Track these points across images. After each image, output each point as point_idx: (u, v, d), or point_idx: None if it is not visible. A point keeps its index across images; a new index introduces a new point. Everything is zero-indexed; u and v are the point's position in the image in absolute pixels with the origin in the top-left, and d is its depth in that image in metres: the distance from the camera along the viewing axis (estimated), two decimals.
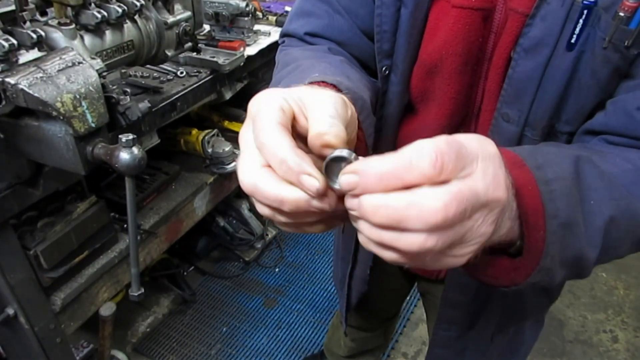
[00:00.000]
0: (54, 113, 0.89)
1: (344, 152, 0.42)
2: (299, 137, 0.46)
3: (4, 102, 0.91)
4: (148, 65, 1.50)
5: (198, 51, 1.48)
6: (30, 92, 0.86)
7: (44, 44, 0.97)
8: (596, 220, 0.53)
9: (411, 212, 0.38)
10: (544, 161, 0.50)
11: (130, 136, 0.90)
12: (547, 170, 0.49)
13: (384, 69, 0.78)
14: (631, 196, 0.55)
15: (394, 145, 0.87)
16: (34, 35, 0.93)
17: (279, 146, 0.41)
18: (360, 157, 0.42)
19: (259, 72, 1.91)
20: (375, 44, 0.76)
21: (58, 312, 1.32)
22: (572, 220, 0.50)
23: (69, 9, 1.06)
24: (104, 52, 1.13)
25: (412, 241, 0.39)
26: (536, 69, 0.65)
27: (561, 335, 2.23)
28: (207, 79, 1.58)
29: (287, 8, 2.12)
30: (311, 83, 0.56)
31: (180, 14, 1.29)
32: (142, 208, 1.58)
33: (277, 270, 2.49)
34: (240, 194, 2.58)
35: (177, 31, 1.29)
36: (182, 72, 1.57)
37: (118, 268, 1.48)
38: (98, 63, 1.02)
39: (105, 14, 1.07)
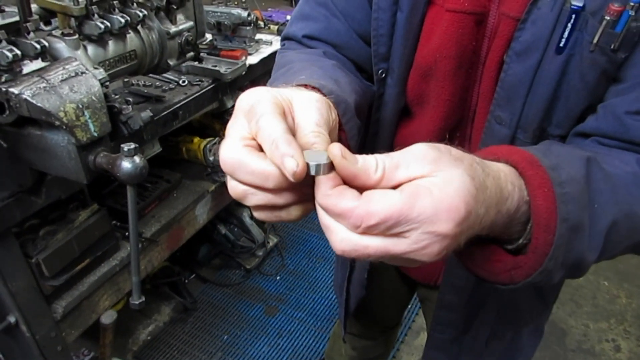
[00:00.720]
0: (57, 122, 0.90)
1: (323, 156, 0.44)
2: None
3: (7, 112, 0.92)
4: (150, 75, 1.51)
5: (200, 60, 1.49)
6: (34, 102, 0.87)
7: (47, 54, 0.98)
8: (600, 224, 0.53)
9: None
10: (557, 162, 0.50)
11: (132, 145, 0.90)
12: (561, 172, 0.49)
13: (380, 72, 0.80)
14: (632, 199, 0.55)
15: (390, 147, 0.88)
16: (38, 46, 0.94)
17: (276, 129, 0.43)
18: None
19: (260, 80, 1.92)
20: (372, 47, 0.78)
21: (59, 320, 1.33)
22: (580, 224, 0.50)
23: (72, 19, 1.07)
24: (107, 62, 1.15)
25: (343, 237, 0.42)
26: (527, 72, 0.66)
27: (563, 344, 2.22)
28: (209, 87, 1.59)
29: (289, 17, 2.13)
30: (298, 85, 0.57)
31: (183, 24, 1.30)
32: (144, 216, 1.59)
33: (278, 278, 2.49)
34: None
35: (179, 41, 1.30)
36: (184, 81, 1.58)
37: (119, 276, 1.49)
38: (101, 73, 1.03)
39: (109, 24, 1.08)
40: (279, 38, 1.94)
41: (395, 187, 0.42)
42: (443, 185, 0.41)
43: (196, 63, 1.56)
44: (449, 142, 0.68)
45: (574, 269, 0.54)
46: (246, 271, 2.48)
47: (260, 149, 0.44)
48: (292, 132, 0.46)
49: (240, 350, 2.13)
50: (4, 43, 0.90)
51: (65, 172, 1.00)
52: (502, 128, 0.72)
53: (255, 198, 0.45)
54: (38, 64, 0.97)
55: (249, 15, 1.71)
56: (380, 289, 1.20)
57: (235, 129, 0.46)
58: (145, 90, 1.51)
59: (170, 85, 1.56)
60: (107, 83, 1.05)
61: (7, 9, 0.97)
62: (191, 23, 1.33)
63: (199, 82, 1.59)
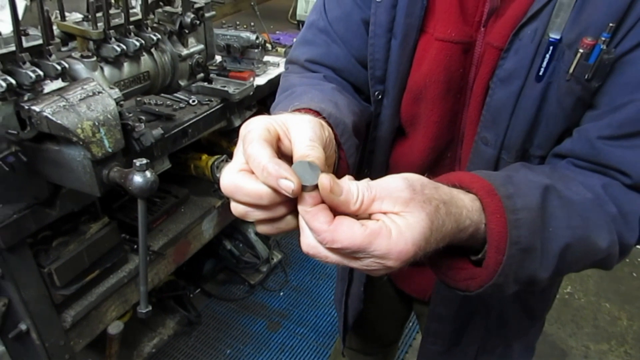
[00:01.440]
0: (74, 139, 0.96)
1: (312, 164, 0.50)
2: (284, 156, 0.53)
3: (28, 128, 0.98)
4: (162, 94, 1.58)
5: (210, 81, 1.56)
6: (54, 119, 0.93)
7: (67, 75, 1.05)
8: (553, 247, 0.58)
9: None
10: (514, 190, 0.56)
11: (144, 160, 0.96)
12: (516, 200, 0.55)
13: (376, 93, 0.86)
14: (587, 224, 0.61)
15: (387, 164, 0.94)
16: (59, 67, 1.00)
17: (262, 155, 0.48)
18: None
19: (267, 100, 1.99)
20: (369, 70, 0.84)
21: (68, 329, 1.37)
22: (532, 246, 0.56)
23: (91, 42, 1.15)
24: (122, 82, 1.21)
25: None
26: (510, 97, 0.72)
27: None
28: (217, 107, 1.66)
29: (295, 40, 2.21)
30: (298, 110, 0.64)
31: (194, 46, 1.37)
32: (152, 229, 1.64)
33: (281, 294, 2.52)
34: None
35: (190, 63, 1.37)
36: (194, 101, 1.64)
37: (127, 288, 1.53)
38: (116, 92, 1.09)
39: (124, 47, 1.15)
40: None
41: (369, 215, 0.50)
42: (404, 229, 0.48)
43: (206, 83, 1.63)
44: (440, 162, 0.74)
45: (527, 285, 0.59)
46: (250, 286, 2.52)
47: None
48: (289, 151, 0.52)
49: None
50: (27, 64, 0.96)
51: (79, 185, 1.05)
52: (487, 148, 0.77)
53: (254, 214, 0.51)
54: (58, 83, 1.03)
55: (257, 38, 1.79)
56: (377, 303, 1.23)
57: (235, 155, 0.52)
58: (157, 109, 1.57)
59: (181, 105, 1.62)
60: (122, 102, 1.11)
61: (31, 32, 1.04)
62: (202, 46, 1.39)
63: (208, 102, 1.66)
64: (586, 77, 0.65)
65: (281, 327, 2.34)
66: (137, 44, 1.18)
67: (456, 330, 0.99)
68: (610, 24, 0.62)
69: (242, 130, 0.52)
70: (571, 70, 0.66)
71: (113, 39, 1.15)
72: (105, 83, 1.11)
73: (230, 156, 1.90)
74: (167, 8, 1.35)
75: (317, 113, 0.63)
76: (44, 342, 1.31)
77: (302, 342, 2.27)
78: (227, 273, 2.58)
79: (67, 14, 1.20)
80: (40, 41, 1.01)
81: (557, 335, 2.36)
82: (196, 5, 1.34)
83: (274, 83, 1.89)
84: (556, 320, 2.44)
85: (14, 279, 1.20)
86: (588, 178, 0.66)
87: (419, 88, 0.82)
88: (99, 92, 1.03)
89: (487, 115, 0.75)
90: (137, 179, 0.96)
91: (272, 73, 1.91)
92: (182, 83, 1.38)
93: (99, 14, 1.13)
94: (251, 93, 1.73)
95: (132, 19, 1.19)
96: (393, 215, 0.49)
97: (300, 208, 0.48)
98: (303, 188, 0.48)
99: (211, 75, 1.53)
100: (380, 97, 0.86)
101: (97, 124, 0.99)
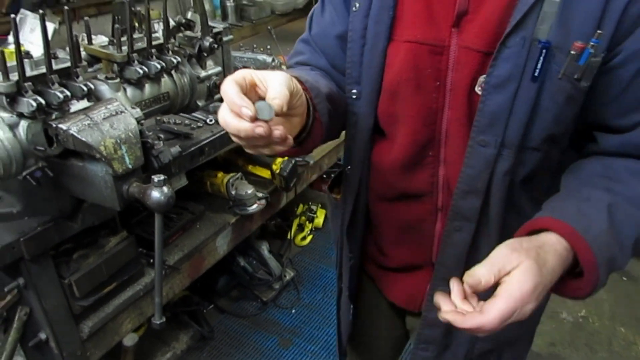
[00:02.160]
0: (97, 155, 1.01)
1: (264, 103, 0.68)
2: (261, 98, 0.69)
3: (55, 145, 1.04)
4: (181, 114, 1.64)
5: None
6: (79, 136, 0.99)
7: (92, 95, 1.11)
8: (627, 244, 0.76)
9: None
10: (587, 223, 0.74)
11: (162, 177, 1.01)
12: (592, 230, 0.73)
13: (353, 93, 0.95)
14: None
15: (368, 162, 1.01)
16: (85, 88, 1.07)
17: (231, 92, 0.65)
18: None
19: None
20: (347, 71, 0.95)
21: (85, 340, 1.41)
22: (612, 256, 0.74)
23: (115, 65, 1.21)
24: (143, 102, 1.27)
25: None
26: (506, 100, 0.78)
27: None
28: None
29: None
30: None
31: (212, 69, 1.43)
32: (168, 244, 1.68)
33: (293, 311, 2.54)
34: (261, 236, 2.68)
35: (208, 84, 1.43)
36: (211, 120, 1.70)
37: (142, 301, 1.57)
38: (137, 112, 1.15)
39: (146, 69, 1.22)
40: None
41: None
42: (521, 279, 0.70)
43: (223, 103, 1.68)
44: (422, 161, 0.92)
45: (611, 273, 0.76)
46: (263, 303, 2.54)
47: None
48: (263, 95, 0.69)
49: None
50: (56, 85, 1.03)
51: (101, 200, 1.10)
52: (487, 149, 0.83)
53: (243, 142, 0.70)
54: (84, 103, 1.10)
55: (273, 60, 1.86)
56: (371, 320, 1.26)
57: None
58: (176, 128, 1.63)
59: (199, 124, 1.68)
60: (142, 121, 1.16)
61: (60, 55, 1.11)
62: (219, 68, 1.46)
63: None
64: (576, 76, 0.74)
65: (292, 344, 2.35)
66: (159, 66, 1.24)
67: (446, 334, 1.02)
68: (599, 31, 0.71)
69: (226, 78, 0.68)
70: (563, 70, 0.74)
71: (136, 62, 1.22)
72: (127, 103, 1.17)
73: (245, 174, 1.95)
74: (188, 33, 1.41)
75: (296, 78, 0.77)
76: (62, 351, 1.35)
77: (313, 359, 2.27)
78: (240, 289, 2.62)
79: (93, 36, 1.27)
80: (68, 64, 1.07)
81: (570, 358, 2.33)
82: (215, 30, 1.41)
83: None
84: (569, 344, 2.41)
85: (35, 289, 1.25)
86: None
87: (392, 87, 0.90)
88: (122, 112, 1.09)
89: (482, 120, 0.81)
90: (155, 194, 1.01)
91: None
92: (200, 103, 1.45)
93: (123, 38, 1.20)
94: None
95: (154, 42, 1.26)
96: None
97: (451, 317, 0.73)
98: (262, 115, 0.66)
99: None
100: (355, 97, 0.95)
101: (119, 141, 1.04)
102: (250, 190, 1.84)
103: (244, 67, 1.85)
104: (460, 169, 0.87)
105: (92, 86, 1.09)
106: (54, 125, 1.00)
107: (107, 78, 1.17)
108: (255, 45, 2.11)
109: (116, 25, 1.18)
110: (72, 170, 1.10)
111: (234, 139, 0.70)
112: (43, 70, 1.03)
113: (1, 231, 1.18)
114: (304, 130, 0.83)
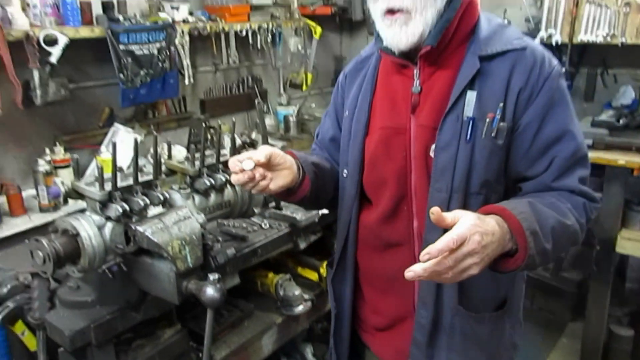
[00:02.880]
0: (165, 254, 1.18)
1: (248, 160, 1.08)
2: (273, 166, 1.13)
3: (132, 244, 1.22)
4: (239, 218, 1.83)
5: (280, 208, 1.79)
6: (152, 238, 1.17)
7: (167, 202, 1.31)
8: (546, 227, 0.99)
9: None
10: (513, 206, 1.00)
11: (216, 276, 1.15)
12: (517, 209, 0.98)
13: (344, 172, 1.28)
14: (559, 213, 1.04)
15: (356, 221, 1.28)
16: (162, 197, 1.27)
17: (230, 161, 1.09)
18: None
19: (333, 226, 2.18)
20: (340, 157, 1.30)
21: None
22: (535, 229, 0.97)
23: (187, 177, 1.42)
24: (207, 209, 1.46)
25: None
26: (451, 157, 1.09)
27: None
28: (285, 231, 1.87)
29: None
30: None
31: None
32: (217, 340, 1.78)
33: None
34: (306, 339, 2.70)
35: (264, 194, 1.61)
36: (265, 224, 1.87)
37: None
38: (202, 218, 1.33)
39: (213, 182, 1.42)
40: None
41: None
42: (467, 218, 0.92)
43: (277, 210, 1.86)
44: (398, 214, 1.21)
45: (543, 256, 0.99)
46: None
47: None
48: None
49: None
50: (139, 194, 1.24)
51: (163, 293, 1.25)
52: (441, 194, 1.11)
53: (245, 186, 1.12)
54: (159, 209, 1.29)
55: None
56: None
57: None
58: (234, 231, 1.81)
59: (254, 228, 1.85)
60: (205, 225, 1.34)
61: (145, 168, 1.34)
62: None
63: (278, 226, 1.87)
64: (492, 135, 1.08)
65: None
66: (223, 179, 1.44)
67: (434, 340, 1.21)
68: (500, 104, 1.06)
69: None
70: (483, 133, 1.08)
71: (205, 175, 1.43)
72: (194, 209, 1.36)
73: (294, 276, 2.06)
74: (251, 150, 1.63)
75: (291, 153, 1.21)
76: None
77: None
78: None
79: (172, 146, 1.50)
80: (151, 177, 1.29)
81: None
82: None
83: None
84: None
85: None
86: (552, 194, 1.10)
87: (371, 161, 1.22)
88: (189, 217, 1.27)
89: (436, 172, 1.11)
90: (210, 291, 1.15)
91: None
92: (257, 210, 1.62)
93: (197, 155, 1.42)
94: (316, 220, 1.93)
95: (222, 159, 1.47)
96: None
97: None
98: (247, 167, 1.06)
99: (281, 203, 1.77)
100: (345, 176, 1.28)
101: (183, 243, 1.21)
102: (297, 291, 1.93)
103: None
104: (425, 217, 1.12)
105: (167, 195, 1.29)
106: (133, 228, 1.19)
107: (180, 188, 1.38)
108: None
109: (192, 147, 1.41)
110: (142, 266, 1.26)
111: (236, 183, 1.11)
112: (130, 182, 1.24)
113: (76, 317, 1.34)
114: (295, 182, 1.18)
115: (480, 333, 1.19)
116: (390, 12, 1.07)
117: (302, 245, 1.99)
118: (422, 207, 1.14)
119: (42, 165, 2.03)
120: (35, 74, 2.04)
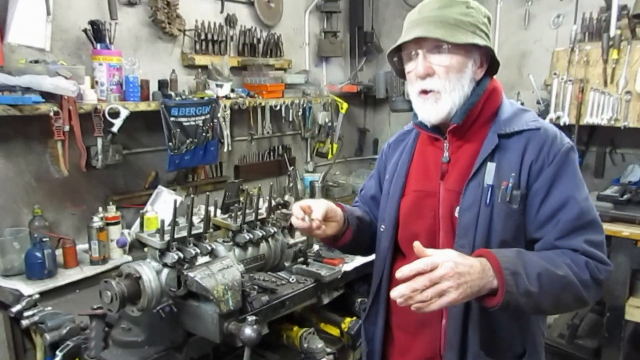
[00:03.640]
0: (211, 297, 1.37)
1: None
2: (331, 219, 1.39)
3: (182, 287, 1.42)
4: (269, 272, 2.02)
5: (307, 264, 1.98)
6: (201, 282, 1.37)
7: (213, 252, 1.53)
8: (532, 272, 1.11)
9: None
10: (500, 253, 1.13)
11: (254, 317, 1.33)
12: (501, 253, 1.13)
13: (381, 227, 1.46)
14: (547, 264, 1.14)
15: (389, 272, 1.43)
16: (209, 248, 1.49)
17: (296, 208, 1.37)
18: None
19: (354, 284, 2.34)
20: (379, 213, 1.49)
21: None
22: (516, 270, 1.09)
23: (230, 232, 1.65)
24: (245, 260, 1.67)
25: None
26: (473, 218, 1.26)
27: None
28: (311, 285, 2.04)
29: None
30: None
31: (299, 238, 1.83)
32: None
33: None
34: None
35: (294, 249, 1.81)
36: (293, 279, 2.05)
37: None
38: (241, 267, 1.53)
39: (252, 236, 1.64)
40: None
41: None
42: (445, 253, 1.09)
43: (304, 266, 2.05)
44: None
45: (527, 297, 1.10)
46: None
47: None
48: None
49: None
50: (191, 245, 1.46)
51: (206, 333, 1.43)
52: (464, 249, 1.21)
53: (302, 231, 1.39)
54: (206, 258, 1.50)
55: None
56: None
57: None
58: (264, 283, 2.00)
59: (282, 282, 2.04)
60: (244, 275, 1.54)
61: (195, 223, 1.57)
62: (304, 238, 1.85)
63: (304, 281, 2.06)
64: (507, 200, 1.24)
65: None
66: (260, 234, 1.66)
67: None
68: (513, 174, 1.23)
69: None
70: (500, 198, 1.24)
71: (245, 230, 1.65)
72: (235, 260, 1.57)
73: (317, 331, 2.21)
74: (284, 210, 1.86)
75: (341, 206, 1.45)
76: None
77: None
78: None
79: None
80: (200, 230, 1.52)
81: None
82: None
83: (360, 269, 2.27)
84: None
85: None
86: (554, 251, 1.21)
87: (405, 219, 1.40)
88: (231, 266, 1.47)
89: (460, 231, 1.27)
90: (248, 331, 1.32)
91: (360, 261, 2.30)
92: (287, 264, 1.82)
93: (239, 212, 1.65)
94: (339, 276, 2.11)
95: (259, 217, 1.70)
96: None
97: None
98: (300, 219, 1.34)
99: (309, 260, 1.96)
100: (382, 230, 1.46)
101: (226, 288, 1.40)
102: (320, 344, 2.07)
103: None
104: None
105: (214, 247, 1.51)
106: (185, 273, 1.40)
107: (223, 241, 1.59)
108: None
109: (235, 206, 1.64)
110: (189, 308, 1.46)
111: (297, 227, 1.37)
112: (184, 234, 1.47)
113: (128, 356, 1.52)
114: (340, 231, 1.42)
115: None
116: (424, 92, 1.28)
117: (325, 300, 2.16)
118: None
119: (96, 222, 2.27)
120: (99, 142, 2.34)
